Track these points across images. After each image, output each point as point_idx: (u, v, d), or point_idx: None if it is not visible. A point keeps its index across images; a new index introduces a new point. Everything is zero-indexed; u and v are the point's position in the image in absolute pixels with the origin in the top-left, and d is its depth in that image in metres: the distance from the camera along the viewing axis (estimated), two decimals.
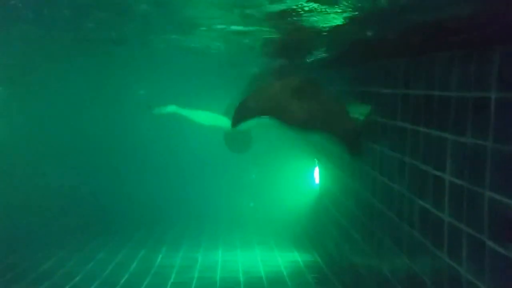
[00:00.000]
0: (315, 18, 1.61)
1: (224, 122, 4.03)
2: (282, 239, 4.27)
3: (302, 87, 2.89)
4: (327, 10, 1.47)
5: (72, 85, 4.76)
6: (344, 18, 1.53)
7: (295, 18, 1.64)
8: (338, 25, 1.66)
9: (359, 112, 2.74)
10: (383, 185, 2.35)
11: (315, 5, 1.42)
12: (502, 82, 1.38)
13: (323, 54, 2.67)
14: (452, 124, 1.64)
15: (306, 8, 1.48)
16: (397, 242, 2.16)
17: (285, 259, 3.78)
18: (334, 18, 1.56)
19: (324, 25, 1.71)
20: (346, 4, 1.35)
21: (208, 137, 4.61)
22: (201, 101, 4.17)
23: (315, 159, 3.93)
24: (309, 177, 4.04)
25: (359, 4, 1.35)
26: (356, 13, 1.44)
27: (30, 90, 5.00)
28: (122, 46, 2.75)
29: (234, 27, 2.00)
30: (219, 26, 2.02)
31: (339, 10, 1.44)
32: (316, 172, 3.90)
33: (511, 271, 1.31)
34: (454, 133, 1.63)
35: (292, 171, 4.39)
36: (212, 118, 4.12)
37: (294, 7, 1.47)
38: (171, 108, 4.34)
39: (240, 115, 3.13)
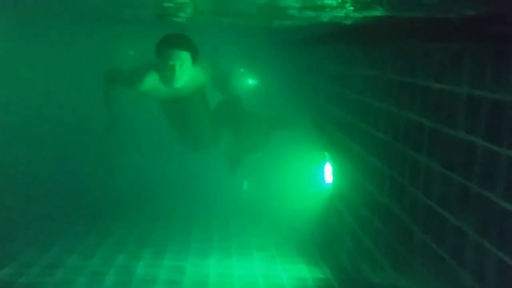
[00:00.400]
0: None
1: None
2: (286, 246, 3.62)
3: None
4: None
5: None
6: None
7: None
8: None
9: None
10: (414, 198, 1.75)
11: None
12: None
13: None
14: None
15: None
16: (428, 265, 1.65)
17: (290, 273, 3.14)
18: None
19: None
20: None
21: None
22: None
23: (326, 153, 3.23)
24: (318, 174, 3.36)
25: None
26: None
27: None
28: None
29: None
30: None
31: None
32: (327, 169, 3.22)
33: None
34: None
35: (297, 166, 3.70)
36: None
37: None
38: None
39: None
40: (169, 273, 3.08)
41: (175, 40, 3.39)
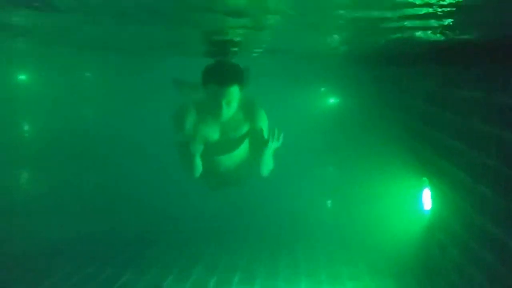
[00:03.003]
0: None
1: None
2: (380, 276, 3.43)
3: None
4: None
5: None
6: None
7: None
8: None
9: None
10: None
11: None
12: None
13: None
14: None
15: None
16: None
17: None
18: None
19: None
20: None
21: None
22: None
23: (425, 179, 3.04)
24: (416, 200, 3.16)
25: None
26: None
27: None
28: None
29: None
30: None
31: None
32: (426, 195, 3.01)
33: None
34: None
35: (394, 190, 3.51)
36: None
37: None
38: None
39: None
40: None
41: (222, 75, 3.13)
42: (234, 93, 3.16)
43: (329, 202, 5.20)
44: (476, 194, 2.24)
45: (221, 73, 3.15)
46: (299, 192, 4.15)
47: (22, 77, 6.41)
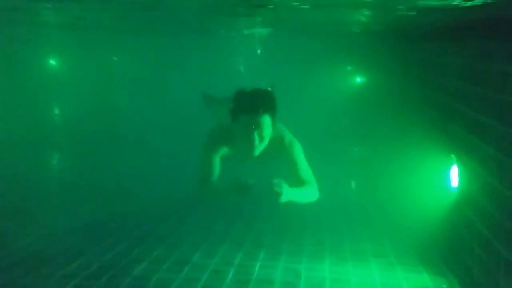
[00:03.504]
0: None
1: None
2: (405, 253, 3.44)
3: None
4: None
5: None
6: None
7: None
8: None
9: None
10: None
11: None
12: None
13: None
14: None
15: None
16: None
17: (412, 283, 2.95)
18: None
19: None
20: None
21: None
22: None
23: (453, 156, 3.01)
24: (443, 177, 3.13)
25: None
26: None
27: None
28: None
29: None
30: None
31: None
32: (454, 172, 2.99)
33: None
34: None
35: (421, 167, 3.48)
36: None
37: None
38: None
39: None
40: (284, 275, 3.11)
41: (252, 103, 2.90)
42: (267, 124, 2.93)
43: (353, 182, 5.20)
44: (505, 169, 2.22)
45: (254, 103, 2.89)
46: (324, 172, 4.16)
47: (52, 62, 6.59)
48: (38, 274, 3.00)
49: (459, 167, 2.93)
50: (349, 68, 6.11)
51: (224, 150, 3.25)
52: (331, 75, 5.94)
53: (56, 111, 6.68)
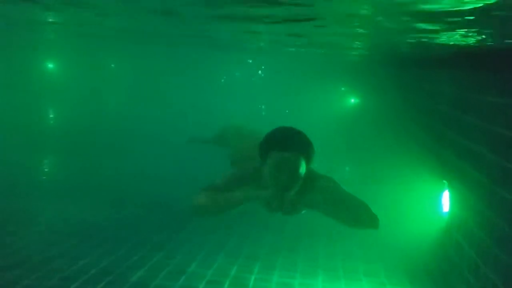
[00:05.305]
0: None
1: None
2: (395, 273, 3.54)
3: None
4: None
5: None
6: None
7: None
8: None
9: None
10: None
11: None
12: None
13: None
14: None
15: None
16: None
17: None
18: None
19: None
20: None
21: None
22: None
23: (445, 181, 3.13)
24: (435, 202, 3.25)
25: None
26: None
27: None
28: None
29: None
30: None
31: None
32: (445, 197, 3.11)
33: None
34: None
35: (413, 192, 3.60)
36: None
37: None
38: None
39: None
40: None
41: (288, 144, 2.55)
42: (300, 174, 2.54)
43: None
44: (495, 197, 2.34)
45: (285, 140, 2.54)
46: None
47: (50, 65, 6.71)
48: (38, 276, 3.07)
49: (450, 192, 3.05)
50: (343, 89, 6.27)
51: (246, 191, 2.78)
52: (325, 96, 6.10)
53: (55, 115, 6.78)
